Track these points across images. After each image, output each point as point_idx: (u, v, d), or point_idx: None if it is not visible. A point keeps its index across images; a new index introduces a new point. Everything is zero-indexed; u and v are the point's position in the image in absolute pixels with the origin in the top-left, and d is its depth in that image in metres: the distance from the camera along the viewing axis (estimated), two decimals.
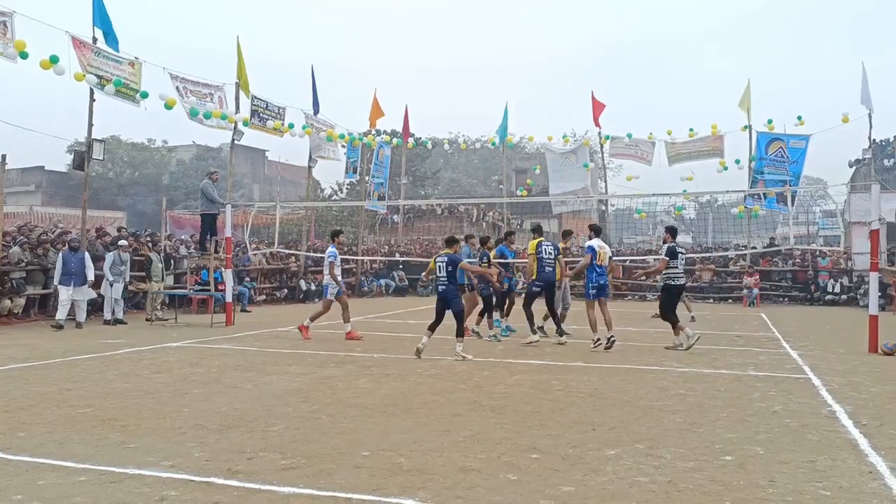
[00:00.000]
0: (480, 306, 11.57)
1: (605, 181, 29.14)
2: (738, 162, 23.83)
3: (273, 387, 7.23)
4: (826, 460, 4.70)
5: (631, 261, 24.76)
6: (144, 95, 15.41)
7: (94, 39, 14.46)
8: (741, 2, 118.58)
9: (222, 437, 5.21)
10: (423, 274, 13.82)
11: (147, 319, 14.40)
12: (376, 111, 25.02)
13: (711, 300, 22.93)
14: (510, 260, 12.51)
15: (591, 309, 10.48)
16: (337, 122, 22.87)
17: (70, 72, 13.66)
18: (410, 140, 29.94)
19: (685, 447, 4.99)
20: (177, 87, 16.35)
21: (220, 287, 14.67)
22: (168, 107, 16.06)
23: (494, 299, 11.65)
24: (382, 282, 25.16)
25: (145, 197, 41.48)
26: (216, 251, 15.20)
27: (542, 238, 11.47)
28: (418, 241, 30.25)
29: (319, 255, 22.37)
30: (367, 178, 25.37)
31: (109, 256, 13.87)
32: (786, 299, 22.86)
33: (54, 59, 13.26)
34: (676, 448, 4.97)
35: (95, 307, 14.64)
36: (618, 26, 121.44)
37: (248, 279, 19.59)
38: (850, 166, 31.27)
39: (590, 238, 10.78)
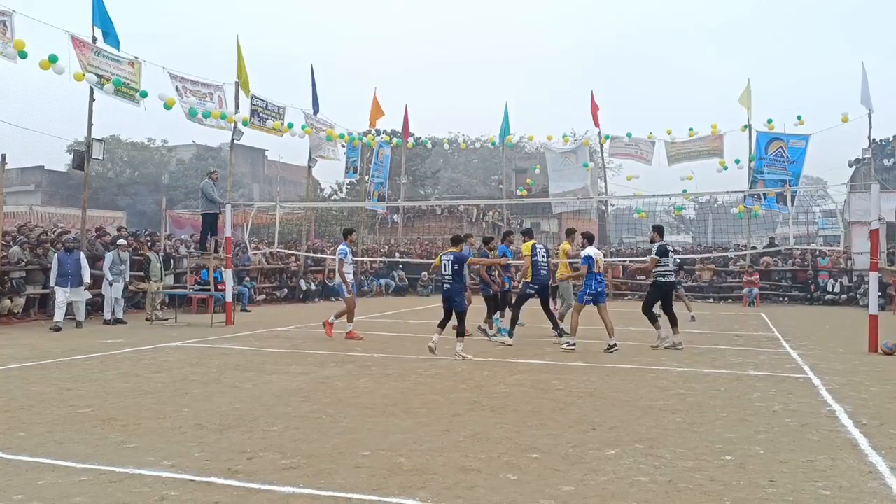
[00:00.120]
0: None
1: (605, 181, 29.14)
2: (737, 162, 23.82)
3: (273, 386, 7.23)
4: (826, 460, 4.71)
5: (630, 260, 24.78)
6: (144, 95, 15.43)
7: (94, 39, 14.47)
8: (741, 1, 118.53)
9: (222, 436, 5.21)
10: (431, 268, 13.93)
11: (147, 319, 14.40)
12: (376, 111, 25.03)
13: (711, 300, 22.93)
14: (510, 260, 12.51)
15: (578, 313, 10.41)
16: (337, 122, 22.91)
17: (70, 71, 13.67)
18: (410, 140, 29.94)
19: (685, 447, 5.00)
20: (176, 87, 16.36)
21: (220, 287, 14.67)
22: (167, 107, 16.07)
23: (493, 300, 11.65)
24: (382, 281, 25.17)
25: (145, 197, 41.48)
26: (216, 251, 15.20)
27: (535, 240, 11.49)
28: (418, 240, 30.25)
29: (319, 255, 22.48)
30: (366, 177, 25.37)
31: (109, 256, 13.87)
32: (786, 299, 22.87)
33: (53, 59, 13.27)
34: (676, 448, 4.97)
35: (95, 307, 14.65)
36: (617, 22, 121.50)
37: (247, 279, 19.59)
38: (850, 166, 31.28)
39: (583, 247, 10.74)
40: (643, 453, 4.83)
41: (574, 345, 10.08)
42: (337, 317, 11.58)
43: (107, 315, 13.70)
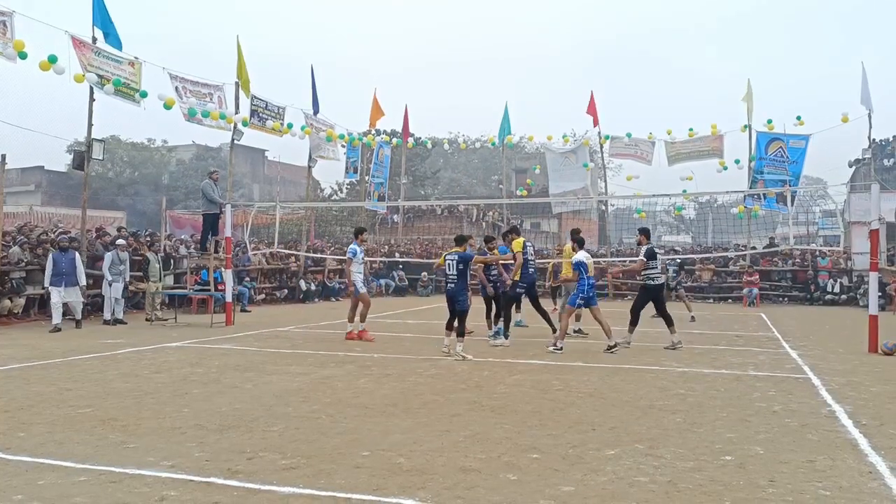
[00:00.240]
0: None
1: (605, 181, 29.12)
2: (737, 162, 23.81)
3: (273, 387, 7.23)
4: (826, 460, 4.71)
5: (630, 261, 24.75)
6: (144, 95, 15.43)
7: (94, 39, 14.47)
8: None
9: (222, 437, 5.21)
10: (434, 266, 14.03)
11: (147, 319, 14.40)
12: (376, 111, 25.03)
13: (711, 300, 22.93)
14: (511, 258, 12.51)
15: (569, 316, 10.39)
16: (337, 122, 22.91)
17: (70, 72, 13.67)
18: (410, 140, 29.95)
19: (685, 447, 5.00)
20: (176, 87, 16.35)
21: (219, 287, 14.67)
22: (167, 107, 16.07)
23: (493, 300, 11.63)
24: (382, 282, 25.16)
25: (145, 197, 41.49)
26: (216, 251, 15.20)
27: (524, 238, 11.49)
28: (418, 240, 30.25)
29: (319, 255, 22.48)
30: (366, 177, 25.37)
31: (108, 256, 13.86)
32: (785, 299, 22.87)
33: (52, 59, 13.27)
34: (676, 448, 4.97)
35: (95, 307, 14.65)
36: (617, 22, 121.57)
37: (247, 279, 19.59)
38: (850, 166, 31.30)
39: (574, 250, 10.72)
40: (643, 453, 4.83)
41: (561, 348, 10.04)
42: (362, 319, 11.45)
43: (107, 315, 13.70)
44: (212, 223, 15.32)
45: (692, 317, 15.39)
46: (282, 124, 19.66)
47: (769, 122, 23.45)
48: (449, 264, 9.70)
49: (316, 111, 21.45)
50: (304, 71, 22.09)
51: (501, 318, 11.45)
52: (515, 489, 4.07)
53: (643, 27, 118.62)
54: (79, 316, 12.96)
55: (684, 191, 23.17)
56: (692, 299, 19.38)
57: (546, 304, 12.34)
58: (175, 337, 11.59)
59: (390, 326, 14.05)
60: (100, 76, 14.28)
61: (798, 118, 23.30)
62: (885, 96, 30.29)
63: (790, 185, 21.35)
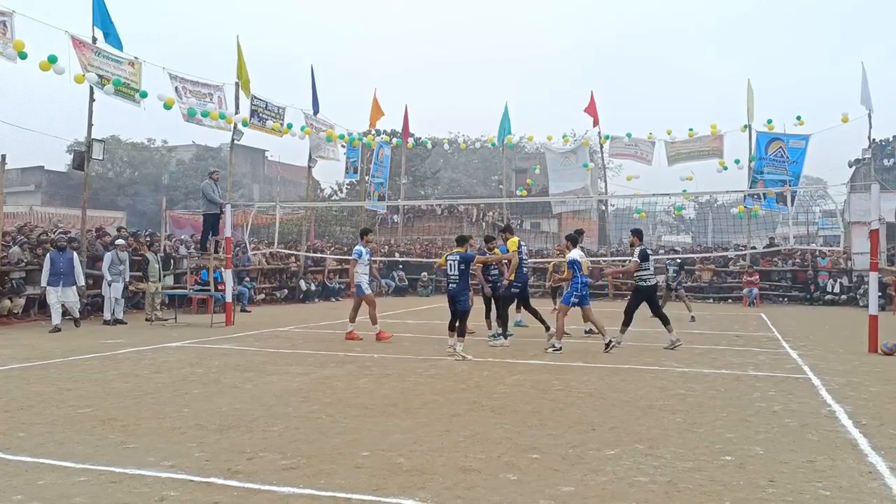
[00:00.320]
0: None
1: (605, 181, 29.12)
2: (737, 162, 23.82)
3: (273, 387, 7.23)
4: (826, 460, 4.71)
5: (630, 260, 24.72)
6: (144, 95, 15.43)
7: (94, 39, 14.47)
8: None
9: (222, 437, 5.21)
10: (436, 266, 14.06)
11: (147, 319, 14.40)
12: (376, 111, 25.03)
13: (711, 300, 22.94)
14: (513, 256, 12.49)
15: (564, 315, 10.39)
16: (337, 122, 22.91)
17: (70, 72, 13.67)
18: (410, 140, 29.94)
19: (685, 447, 5.00)
20: (176, 88, 16.35)
21: (219, 287, 14.67)
22: (167, 107, 16.08)
23: (492, 300, 11.62)
24: (383, 281, 25.16)
25: (145, 197, 41.48)
26: (216, 251, 15.20)
27: (517, 238, 11.48)
28: (418, 240, 30.25)
29: (319, 255, 22.48)
30: (366, 177, 25.36)
31: (107, 256, 13.85)
32: (785, 299, 22.87)
33: (52, 59, 13.27)
34: (676, 448, 4.97)
35: (95, 307, 14.65)
36: (617, 22, 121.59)
37: (247, 279, 19.59)
38: (850, 166, 31.30)
39: (568, 249, 10.72)
40: (643, 453, 4.83)
41: (560, 348, 10.04)
42: (374, 321, 11.42)
43: (107, 315, 13.70)
44: (212, 223, 15.32)
45: (692, 317, 15.39)
46: (282, 124, 19.66)
47: (769, 122, 23.46)
48: (450, 265, 9.71)
49: (316, 111, 21.45)
50: (304, 71, 22.13)
51: (486, 317, 11.45)
52: (515, 489, 4.07)
53: (643, 27, 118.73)
54: (76, 315, 12.92)
55: (684, 191, 23.16)
56: (692, 299, 19.39)
57: (547, 304, 12.34)
58: (175, 337, 11.59)
59: (390, 326, 14.03)
60: (100, 76, 14.28)
61: (798, 118, 23.33)
62: (885, 96, 30.27)
63: (790, 185, 21.34)
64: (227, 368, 8.41)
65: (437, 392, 6.99)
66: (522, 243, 11.46)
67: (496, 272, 11.39)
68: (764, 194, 22.05)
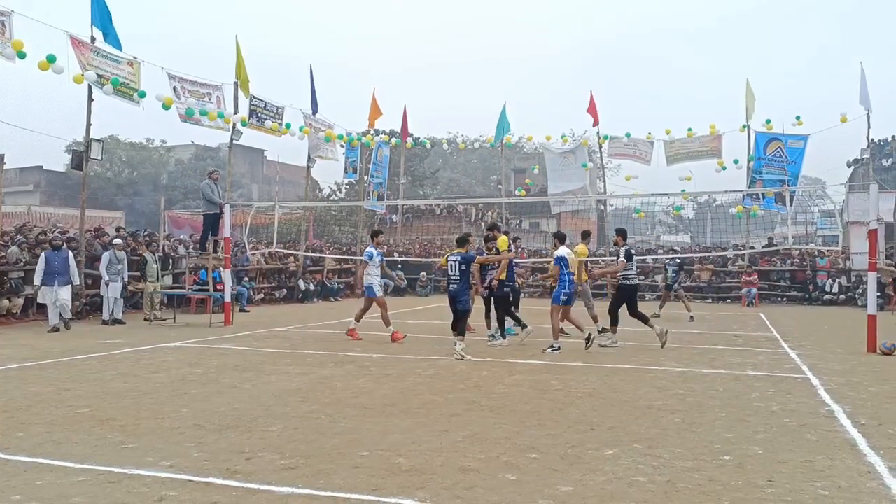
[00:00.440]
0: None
1: (604, 181, 29.12)
2: (736, 162, 23.83)
3: (272, 387, 7.23)
4: (824, 460, 4.71)
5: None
6: (142, 95, 15.41)
7: (93, 39, 14.46)
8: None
9: (221, 437, 5.21)
10: (437, 266, 14.09)
11: (145, 319, 14.40)
12: (375, 111, 25.03)
13: (710, 300, 22.96)
14: (513, 254, 12.47)
15: (558, 314, 10.37)
16: (336, 122, 22.91)
17: (69, 72, 13.66)
18: (409, 140, 29.93)
19: (684, 447, 5.00)
20: (174, 88, 16.33)
21: (218, 287, 14.66)
22: (166, 107, 16.07)
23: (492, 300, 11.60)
24: (383, 281, 25.10)
25: (144, 197, 41.46)
26: (215, 251, 15.19)
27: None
28: (417, 240, 30.24)
29: (318, 255, 22.47)
30: (365, 177, 25.35)
31: (105, 256, 13.81)
32: (784, 299, 22.89)
33: (51, 59, 13.26)
34: (675, 448, 4.97)
35: (94, 307, 14.63)
36: (617, 22, 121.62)
37: (246, 279, 19.58)
38: (849, 166, 31.27)
39: (555, 247, 10.73)
40: (642, 453, 4.83)
41: (559, 348, 10.03)
42: (386, 323, 11.35)
43: (105, 315, 13.68)
44: (212, 223, 15.29)
45: (691, 317, 15.41)
46: (280, 124, 19.64)
47: (768, 121, 23.47)
48: (451, 265, 9.73)
49: (315, 111, 21.45)
50: (304, 71, 22.03)
51: (486, 317, 11.42)
52: (514, 489, 4.07)
53: (643, 27, 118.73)
54: (68, 315, 12.64)
55: (683, 190, 23.19)
56: (691, 299, 19.41)
57: (547, 303, 12.31)
58: (174, 337, 11.58)
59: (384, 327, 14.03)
60: (99, 76, 14.27)
61: (797, 118, 23.35)
62: (884, 96, 30.37)
63: (789, 185, 21.35)
64: (225, 368, 8.40)
65: (436, 392, 6.99)
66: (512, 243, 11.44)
67: (495, 272, 11.39)
68: (763, 194, 22.07)
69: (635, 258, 11.02)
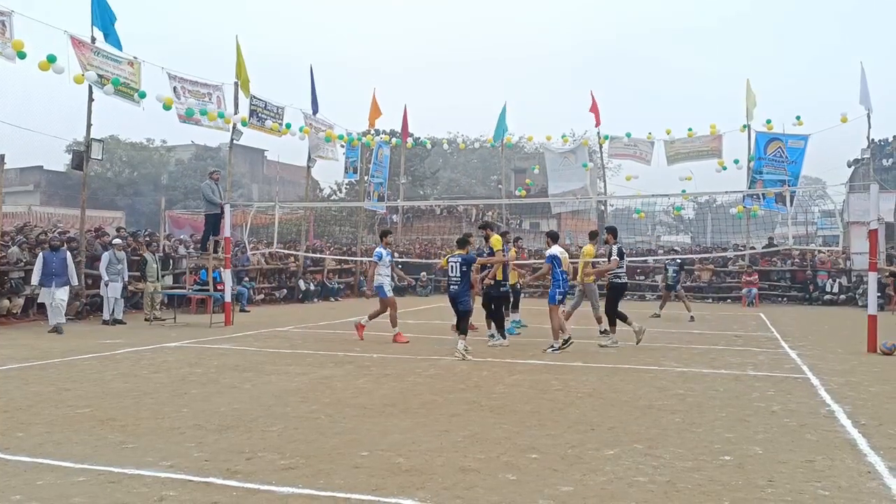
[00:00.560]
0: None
1: (605, 181, 29.12)
2: (736, 162, 23.83)
3: (272, 387, 7.23)
4: (825, 460, 4.71)
5: (630, 261, 24.75)
6: (143, 95, 15.42)
7: (93, 39, 14.46)
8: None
9: (221, 437, 5.21)
10: (437, 266, 14.12)
11: (146, 319, 14.40)
12: (375, 111, 25.02)
13: (710, 300, 22.95)
14: (512, 258, 12.46)
15: (557, 314, 10.34)
16: (336, 122, 22.90)
17: (69, 72, 13.66)
18: (409, 140, 29.93)
19: (684, 447, 5.00)
20: (174, 88, 16.33)
21: (218, 287, 14.66)
22: (167, 107, 16.07)
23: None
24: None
25: (144, 197, 41.47)
26: (215, 251, 15.19)
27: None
28: (417, 240, 30.23)
29: (318, 255, 22.47)
30: (366, 177, 25.35)
31: (105, 256, 13.79)
32: (784, 299, 22.89)
33: (52, 59, 13.26)
34: (675, 448, 4.97)
35: (94, 307, 14.63)
36: (617, 22, 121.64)
37: (246, 279, 19.58)
38: (849, 166, 31.27)
39: (549, 246, 10.72)
40: (642, 453, 4.83)
41: (559, 348, 10.03)
42: (393, 323, 11.30)
43: (105, 315, 13.67)
44: (213, 224, 15.29)
45: (691, 317, 15.41)
46: (280, 124, 19.64)
47: (768, 122, 23.47)
48: (452, 266, 9.77)
49: (315, 111, 21.45)
50: (304, 71, 22.04)
51: (486, 317, 11.37)
52: (514, 489, 4.07)
53: (643, 27, 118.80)
54: (62, 318, 12.27)
55: (683, 191, 23.18)
56: (691, 299, 19.41)
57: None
58: (174, 337, 11.58)
59: (389, 326, 14.04)
60: (99, 76, 14.28)
61: (797, 118, 23.35)
62: (885, 96, 30.33)
63: (789, 186, 21.34)
64: (225, 368, 8.40)
65: (436, 392, 6.99)
66: (507, 245, 11.44)
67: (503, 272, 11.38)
68: (763, 194, 22.06)
69: (626, 256, 11.10)
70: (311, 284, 21.86)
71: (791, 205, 19.58)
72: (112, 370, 8.22)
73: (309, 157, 22.07)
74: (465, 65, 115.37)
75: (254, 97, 18.47)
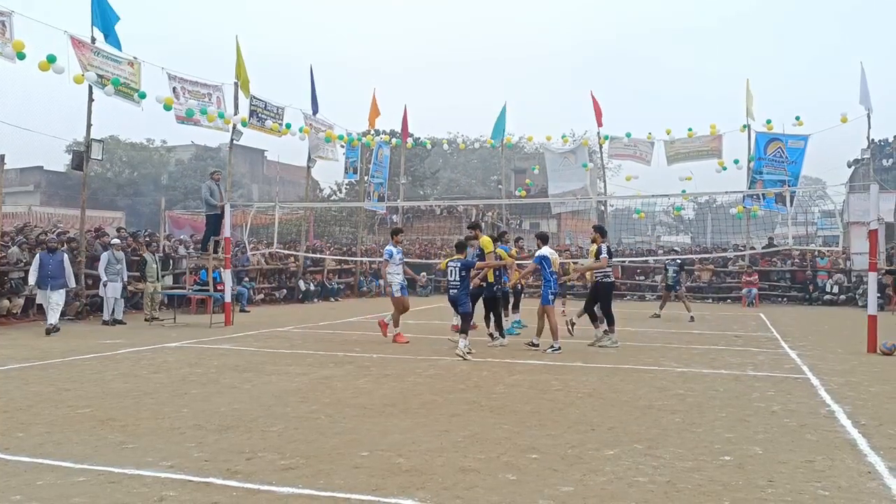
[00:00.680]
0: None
1: (605, 181, 29.12)
2: (736, 162, 23.82)
3: (272, 387, 7.23)
4: (825, 460, 4.71)
5: (630, 261, 24.80)
6: (143, 96, 15.42)
7: (93, 39, 14.46)
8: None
9: (221, 437, 5.21)
10: (436, 267, 14.17)
11: (146, 319, 14.40)
12: (375, 111, 25.01)
13: (710, 300, 22.95)
14: (513, 259, 12.46)
15: (553, 314, 10.34)
16: (336, 122, 22.90)
17: (69, 72, 13.66)
18: (409, 140, 29.92)
19: (684, 447, 5.00)
20: (174, 88, 16.33)
21: (218, 287, 14.66)
22: (167, 107, 16.07)
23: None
24: (382, 282, 25.13)
25: (144, 197, 41.47)
26: (215, 251, 15.19)
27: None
28: (417, 241, 30.22)
29: (318, 255, 22.46)
30: (366, 178, 25.35)
31: (104, 256, 13.78)
32: (784, 299, 22.89)
33: (51, 59, 13.26)
34: (675, 448, 4.97)
35: (94, 307, 14.63)
36: (617, 22, 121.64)
37: (246, 279, 19.58)
38: (849, 166, 31.29)
39: (539, 247, 10.72)
40: (642, 453, 4.83)
41: (559, 348, 10.03)
42: (395, 323, 11.33)
43: (105, 316, 13.67)
44: (214, 224, 15.29)
45: (691, 317, 15.41)
46: (280, 125, 19.64)
47: (768, 122, 23.46)
48: (451, 270, 9.84)
49: (315, 111, 21.44)
50: (304, 71, 22.04)
51: (485, 317, 11.38)
52: (514, 489, 4.07)
53: (643, 27, 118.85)
54: (55, 321, 12.01)
55: (683, 191, 23.18)
56: (691, 299, 19.41)
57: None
58: (174, 337, 11.58)
59: (388, 326, 14.03)
60: (99, 76, 14.28)
61: (797, 118, 23.34)
62: (885, 96, 30.35)
63: (789, 186, 21.34)
64: (225, 369, 8.40)
65: (436, 392, 6.99)
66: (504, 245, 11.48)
67: (496, 273, 11.37)
68: (763, 194, 22.06)
69: (612, 256, 11.20)
70: (311, 285, 21.86)
71: (791, 205, 19.56)
72: (112, 370, 8.22)
73: (309, 157, 22.07)
74: (465, 65, 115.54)
75: (254, 97, 18.47)
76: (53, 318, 12.03)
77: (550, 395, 6.93)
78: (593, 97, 25.02)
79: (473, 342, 10.14)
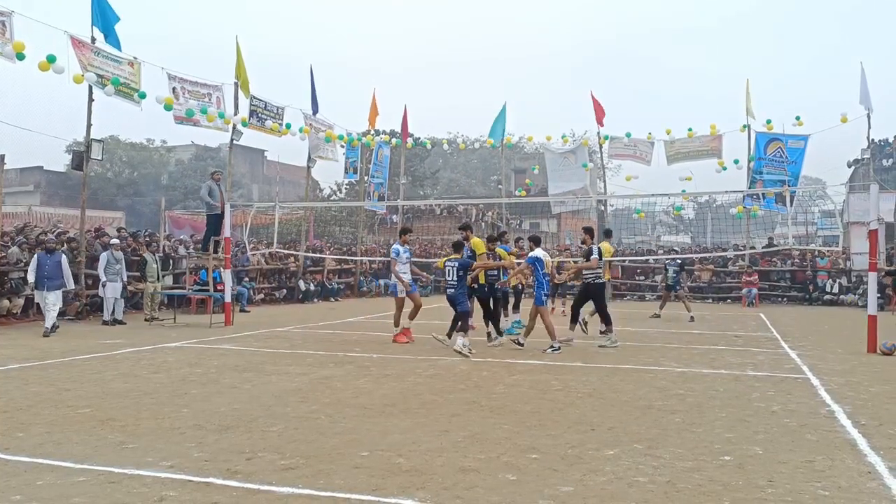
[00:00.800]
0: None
1: (605, 181, 29.11)
2: (736, 162, 23.82)
3: (272, 387, 7.23)
4: (825, 460, 4.71)
5: (630, 261, 24.80)
6: (143, 96, 15.41)
7: (93, 39, 14.46)
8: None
9: (221, 437, 5.21)
10: (434, 266, 14.20)
11: (146, 319, 14.40)
12: (374, 111, 25.00)
13: (710, 300, 22.94)
14: (512, 261, 12.46)
15: (548, 315, 10.34)
16: (336, 122, 22.90)
17: (69, 72, 13.66)
18: (409, 140, 29.91)
19: (684, 447, 5.00)
20: (173, 88, 16.33)
21: (218, 287, 14.66)
22: (168, 107, 16.07)
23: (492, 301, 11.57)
24: (381, 282, 25.15)
25: (144, 197, 41.46)
26: (215, 251, 15.19)
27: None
28: (417, 240, 30.20)
29: (318, 255, 22.46)
30: (366, 178, 25.35)
31: (103, 256, 13.76)
32: (784, 299, 22.88)
33: (51, 59, 13.26)
34: (675, 448, 4.97)
35: (94, 307, 14.63)
36: (617, 22, 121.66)
37: (246, 279, 19.58)
38: (849, 166, 31.27)
39: (531, 249, 10.72)
40: (642, 453, 4.83)
41: (559, 348, 10.03)
42: (395, 323, 11.27)
43: (105, 316, 13.67)
44: (214, 225, 15.28)
45: (691, 317, 15.40)
46: (280, 125, 19.64)
47: (768, 122, 23.46)
48: (448, 270, 9.91)
49: (315, 111, 21.44)
50: (304, 71, 22.04)
51: (484, 317, 11.37)
52: (514, 489, 4.07)
53: (643, 27, 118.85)
54: (51, 324, 11.85)
55: (683, 191, 23.18)
56: (691, 299, 19.41)
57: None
58: (174, 337, 11.58)
59: (389, 327, 14.03)
60: (99, 76, 14.28)
61: (797, 118, 23.34)
62: (885, 96, 30.33)
63: (789, 186, 21.33)
64: (225, 369, 8.40)
65: (436, 392, 6.99)
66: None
67: (494, 273, 11.36)
68: (763, 194, 22.05)
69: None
70: (311, 285, 21.86)
71: (791, 205, 19.55)
72: (112, 370, 8.22)
73: (309, 157, 22.06)
74: (465, 65, 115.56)
75: (254, 97, 18.47)
76: (50, 321, 11.90)
77: (550, 395, 6.93)
78: (594, 97, 25.02)
79: (474, 342, 10.14)
